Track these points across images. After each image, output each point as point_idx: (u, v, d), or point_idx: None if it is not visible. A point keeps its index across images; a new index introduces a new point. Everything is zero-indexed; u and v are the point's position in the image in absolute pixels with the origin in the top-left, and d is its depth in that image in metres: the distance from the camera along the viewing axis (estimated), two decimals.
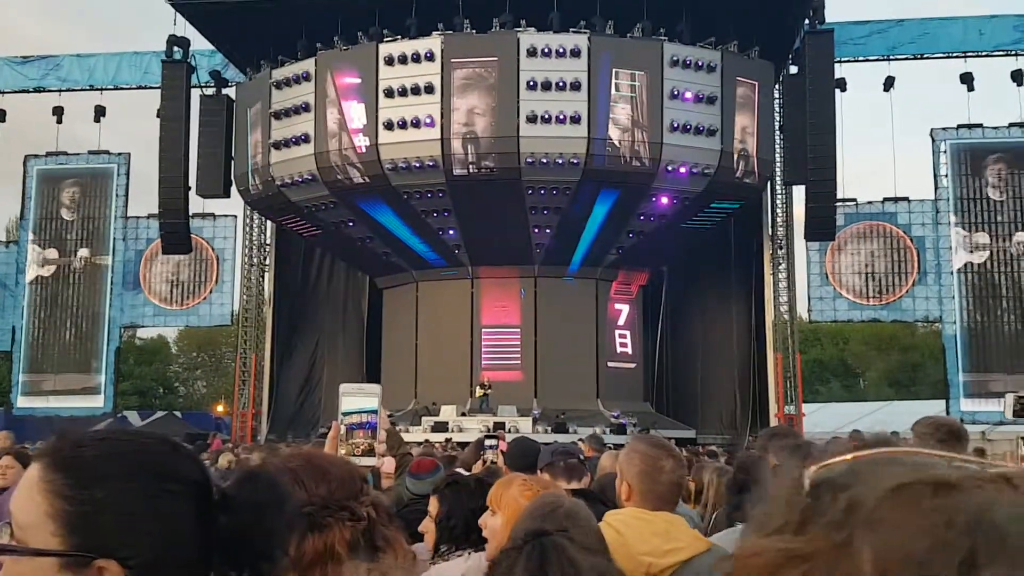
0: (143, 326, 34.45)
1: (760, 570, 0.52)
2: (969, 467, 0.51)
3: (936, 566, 0.46)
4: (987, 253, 28.00)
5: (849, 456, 0.54)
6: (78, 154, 31.98)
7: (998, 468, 0.50)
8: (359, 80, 23.49)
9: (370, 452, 2.49)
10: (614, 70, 22.92)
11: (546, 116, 22.59)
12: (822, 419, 31.18)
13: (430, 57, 23.08)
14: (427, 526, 3.39)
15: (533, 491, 2.78)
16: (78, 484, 1.13)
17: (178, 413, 38.43)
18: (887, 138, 33.93)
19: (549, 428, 21.72)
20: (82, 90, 31.55)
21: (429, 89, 22.94)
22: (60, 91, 31.55)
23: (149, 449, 1.20)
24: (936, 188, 28.71)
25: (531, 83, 22.70)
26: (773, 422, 24.59)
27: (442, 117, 22.83)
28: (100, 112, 31.05)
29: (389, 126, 23.04)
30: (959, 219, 28.27)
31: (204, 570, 1.18)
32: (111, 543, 1.10)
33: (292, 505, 1.34)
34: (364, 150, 23.37)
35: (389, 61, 23.28)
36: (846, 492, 0.51)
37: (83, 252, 31.10)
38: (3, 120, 31.62)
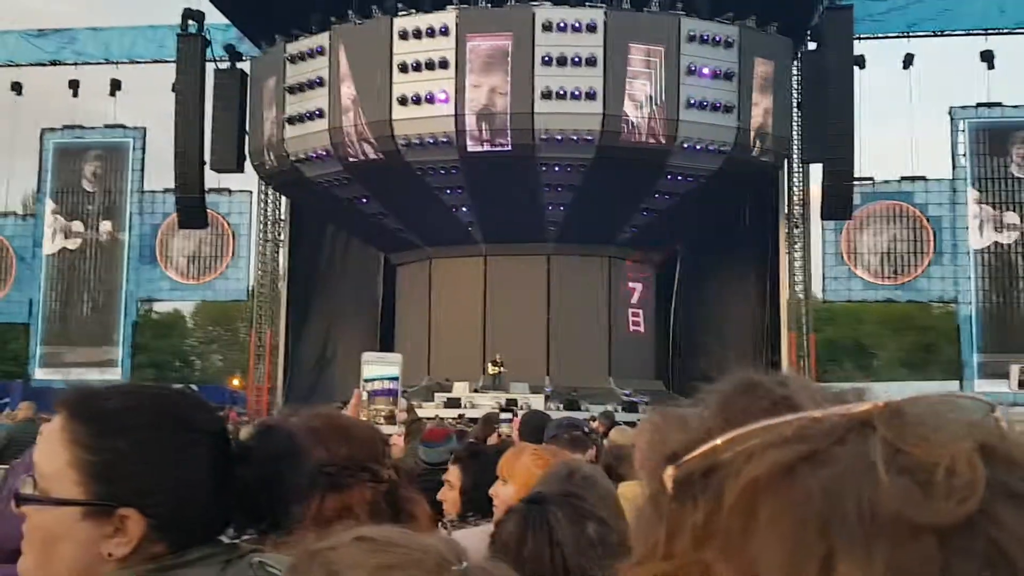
0: (160, 300, 34.71)
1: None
2: (827, 422, 0.42)
3: None
4: (1017, 233, 27.73)
5: (707, 447, 0.44)
6: (94, 128, 32.08)
7: (857, 409, 0.42)
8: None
9: (392, 419, 2.51)
10: (630, 45, 22.71)
11: (561, 92, 22.43)
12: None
13: (444, 31, 22.93)
14: (447, 495, 3.42)
15: (545, 460, 2.81)
16: (99, 434, 1.15)
17: (194, 386, 38.74)
18: (905, 116, 33.67)
19: (561, 405, 21.75)
20: (98, 64, 31.59)
21: (443, 64, 22.82)
22: (76, 64, 31.61)
23: (169, 401, 1.22)
24: (954, 167, 28.42)
25: (546, 58, 22.53)
26: None
27: (456, 93, 22.71)
28: (116, 86, 31.10)
29: (403, 101, 22.96)
30: (981, 198, 27.99)
31: (223, 520, 1.20)
32: (132, 492, 1.12)
33: (309, 459, 1.36)
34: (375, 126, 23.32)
35: (403, 35, 23.15)
36: (705, 494, 0.43)
37: (104, 226, 31.30)
38: (20, 93, 31.72)
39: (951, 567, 0.38)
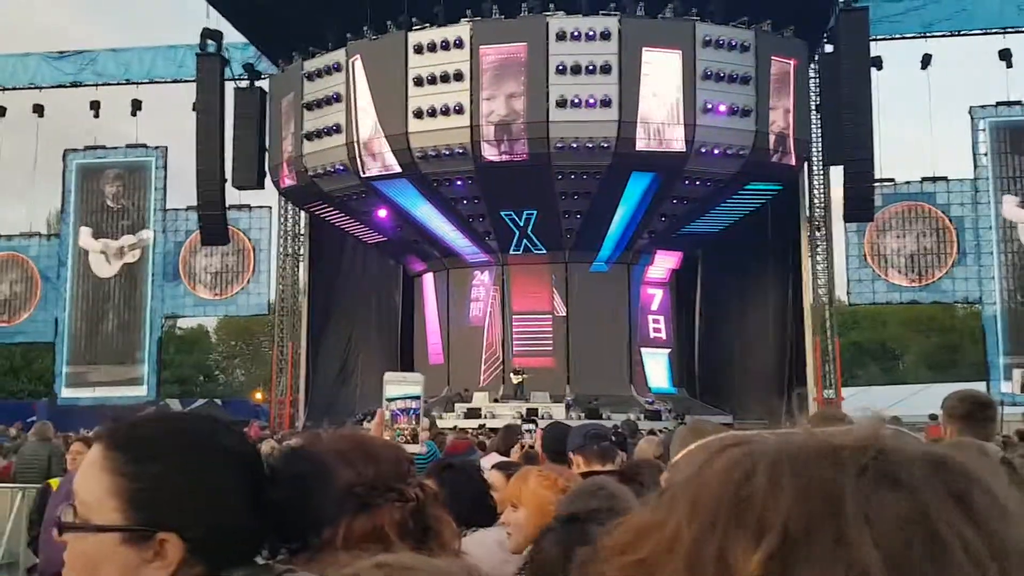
0: (183, 316, 35.01)
1: (625, 538, 0.55)
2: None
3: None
4: None
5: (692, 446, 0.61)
6: (116, 148, 32.46)
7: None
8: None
9: (415, 438, 2.53)
10: (645, 52, 22.72)
11: (576, 101, 22.46)
12: (861, 403, 30.83)
13: (459, 44, 23.05)
14: None
15: (551, 480, 2.85)
16: (136, 461, 1.18)
17: (218, 401, 39.01)
18: (924, 117, 33.30)
19: (582, 414, 21.71)
20: (118, 84, 31.98)
21: (458, 76, 22.92)
22: (97, 85, 32.01)
23: (201, 427, 1.25)
24: (975, 167, 28.17)
25: (561, 67, 22.58)
26: (812, 406, 24.36)
27: (472, 104, 22.81)
28: (136, 106, 31.48)
29: (419, 114, 23.08)
30: (1003, 196, 27.69)
31: (256, 542, 1.23)
32: (170, 517, 1.15)
33: (337, 480, 1.39)
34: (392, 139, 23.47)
35: (418, 49, 23.29)
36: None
37: (128, 244, 31.65)
38: (41, 115, 32.14)
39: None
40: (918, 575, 0.46)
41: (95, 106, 31.64)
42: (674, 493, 0.54)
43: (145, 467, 1.17)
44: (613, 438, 4.79)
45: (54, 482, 6.14)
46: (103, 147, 32.40)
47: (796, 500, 0.49)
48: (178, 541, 1.14)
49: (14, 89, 32.46)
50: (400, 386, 2.58)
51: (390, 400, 2.55)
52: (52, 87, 32.47)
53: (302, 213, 30.28)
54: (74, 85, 32.32)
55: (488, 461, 5.95)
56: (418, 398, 2.58)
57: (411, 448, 2.42)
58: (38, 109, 32.13)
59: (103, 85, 32.01)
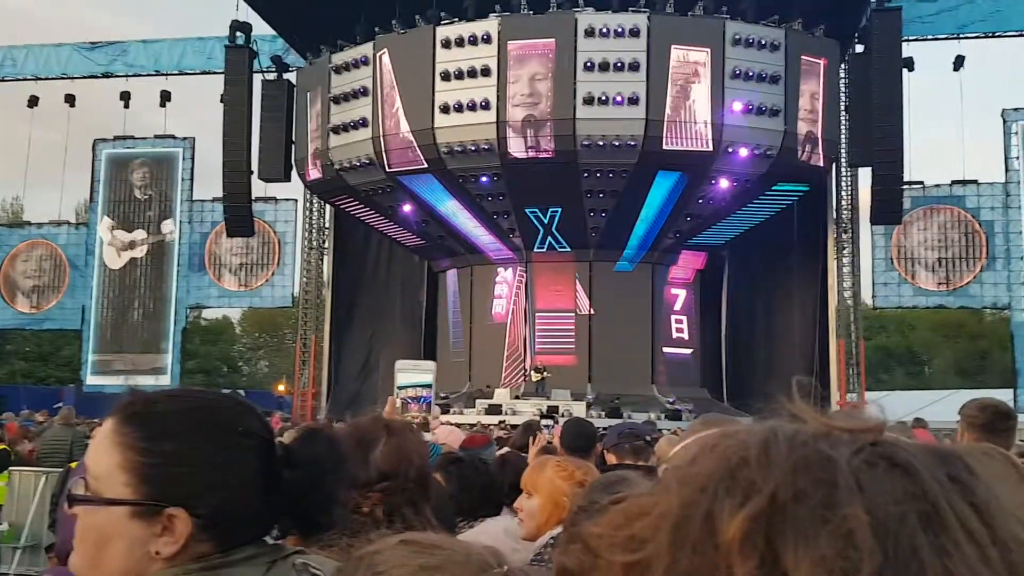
0: (208, 307, 35.34)
1: (617, 520, 0.56)
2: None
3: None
4: None
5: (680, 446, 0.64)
6: (145, 138, 32.82)
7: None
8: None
9: (426, 426, 2.53)
10: (674, 50, 22.59)
11: (603, 98, 22.38)
12: (886, 407, 30.44)
13: (487, 39, 23.04)
14: None
15: (568, 471, 2.85)
16: (149, 437, 1.17)
17: (241, 392, 39.29)
18: (956, 119, 32.93)
19: (603, 413, 21.65)
20: (148, 75, 32.33)
21: (486, 72, 22.92)
22: (127, 76, 32.39)
23: (216, 406, 1.24)
24: (1007, 170, 27.77)
25: (589, 64, 22.49)
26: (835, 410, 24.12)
27: (498, 100, 22.79)
28: (166, 97, 31.79)
29: (445, 109, 23.10)
30: None
31: (268, 521, 1.22)
32: (180, 493, 1.15)
33: (350, 463, 1.38)
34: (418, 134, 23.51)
35: (446, 44, 23.31)
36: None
37: (154, 234, 32.00)
38: (72, 105, 32.56)
39: None
40: (910, 547, 0.45)
41: (125, 97, 32.00)
42: (668, 478, 0.55)
43: (157, 443, 1.17)
44: (648, 439, 4.80)
45: (76, 465, 6.19)
46: (132, 137, 32.77)
47: (788, 470, 0.49)
48: (187, 517, 1.14)
49: (46, 79, 32.91)
50: (411, 374, 2.58)
51: (402, 388, 2.55)
52: (83, 77, 32.86)
53: (327, 206, 30.42)
54: (105, 76, 32.70)
55: None
56: (429, 387, 2.57)
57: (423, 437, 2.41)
58: (69, 99, 32.53)
59: (133, 76, 32.37)
